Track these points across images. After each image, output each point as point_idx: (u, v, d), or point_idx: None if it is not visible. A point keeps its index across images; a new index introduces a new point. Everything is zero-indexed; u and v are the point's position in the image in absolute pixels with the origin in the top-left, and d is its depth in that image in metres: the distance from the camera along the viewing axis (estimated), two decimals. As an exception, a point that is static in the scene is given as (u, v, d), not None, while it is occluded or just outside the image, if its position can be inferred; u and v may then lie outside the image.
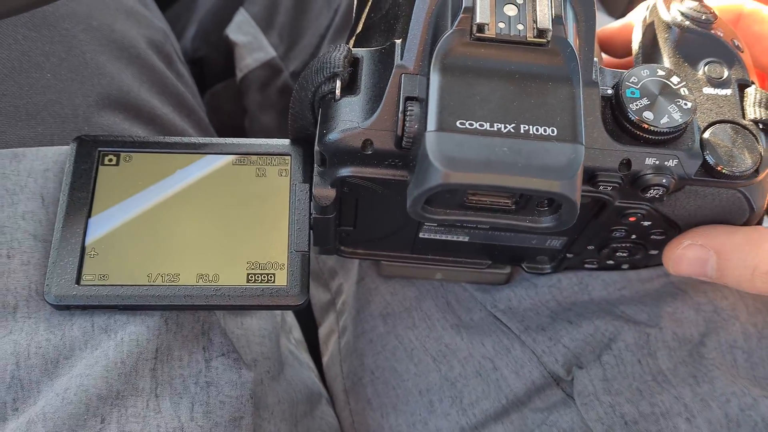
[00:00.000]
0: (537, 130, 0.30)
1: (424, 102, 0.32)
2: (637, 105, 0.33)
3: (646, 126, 0.33)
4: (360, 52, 0.35)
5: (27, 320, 0.36)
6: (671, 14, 0.37)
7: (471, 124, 0.30)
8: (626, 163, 0.34)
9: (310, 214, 0.39)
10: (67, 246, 0.38)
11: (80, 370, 0.35)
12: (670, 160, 0.34)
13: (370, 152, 0.34)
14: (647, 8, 0.39)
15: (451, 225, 0.38)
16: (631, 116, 0.33)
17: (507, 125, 0.30)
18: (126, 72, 0.46)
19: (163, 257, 0.38)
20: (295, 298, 0.38)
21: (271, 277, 0.38)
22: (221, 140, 0.41)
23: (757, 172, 0.34)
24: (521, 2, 0.31)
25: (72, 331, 0.36)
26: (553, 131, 0.30)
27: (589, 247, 0.42)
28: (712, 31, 0.37)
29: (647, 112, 0.33)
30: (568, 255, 0.43)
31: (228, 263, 0.38)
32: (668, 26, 0.37)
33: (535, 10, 0.31)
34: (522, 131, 0.30)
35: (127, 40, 0.47)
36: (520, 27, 0.31)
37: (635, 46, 0.39)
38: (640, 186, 0.34)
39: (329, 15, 0.59)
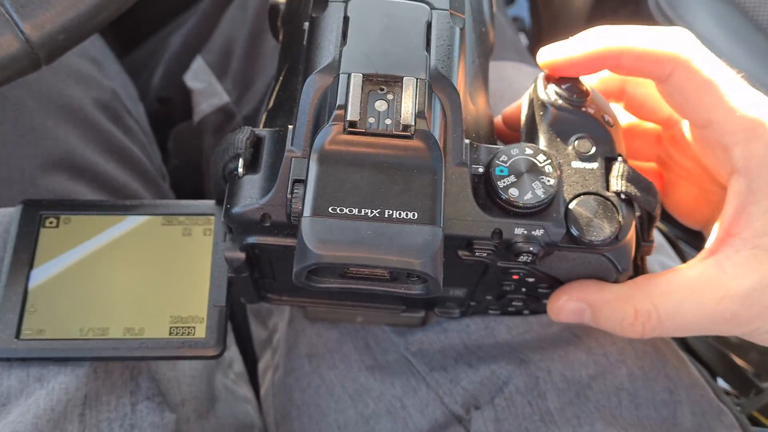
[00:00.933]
0: (400, 214, 0.34)
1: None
2: (504, 182, 0.37)
3: (512, 201, 0.37)
4: (263, 132, 0.39)
5: (-31, 372, 0.41)
6: (547, 92, 0.41)
7: (341, 210, 0.34)
8: (498, 233, 0.38)
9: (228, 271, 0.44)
10: (8, 303, 0.42)
11: (14, 417, 0.39)
12: (537, 230, 0.38)
13: (268, 224, 0.38)
14: (533, 83, 0.43)
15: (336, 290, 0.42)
16: (499, 192, 0.37)
17: (373, 210, 0.34)
18: (72, 134, 0.50)
19: (94, 312, 0.43)
20: (212, 349, 0.42)
21: (191, 330, 0.43)
22: (151, 202, 0.46)
23: (617, 239, 0.38)
24: (391, 98, 0.35)
25: (9, 380, 0.41)
26: (414, 215, 0.34)
27: (488, 297, 0.45)
28: (583, 109, 0.40)
29: (513, 188, 0.37)
30: (471, 303, 0.46)
31: (153, 317, 0.43)
32: (544, 105, 0.41)
33: (402, 105, 0.35)
34: (386, 215, 0.34)
35: (75, 102, 0.51)
36: (388, 122, 0.35)
37: (522, 119, 0.43)
38: (512, 252, 0.38)
39: (276, 66, 0.63)
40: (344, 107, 0.34)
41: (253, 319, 0.58)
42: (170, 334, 0.42)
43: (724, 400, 0.47)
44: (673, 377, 0.45)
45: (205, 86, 0.67)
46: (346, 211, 0.34)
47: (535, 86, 0.42)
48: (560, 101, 0.41)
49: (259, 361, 0.57)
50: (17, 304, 0.42)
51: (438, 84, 0.36)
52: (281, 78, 0.43)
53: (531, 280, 0.42)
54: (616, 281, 0.41)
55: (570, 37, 0.41)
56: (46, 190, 0.47)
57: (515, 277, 0.42)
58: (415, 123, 0.34)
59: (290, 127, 0.38)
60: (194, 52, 0.70)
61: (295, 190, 0.36)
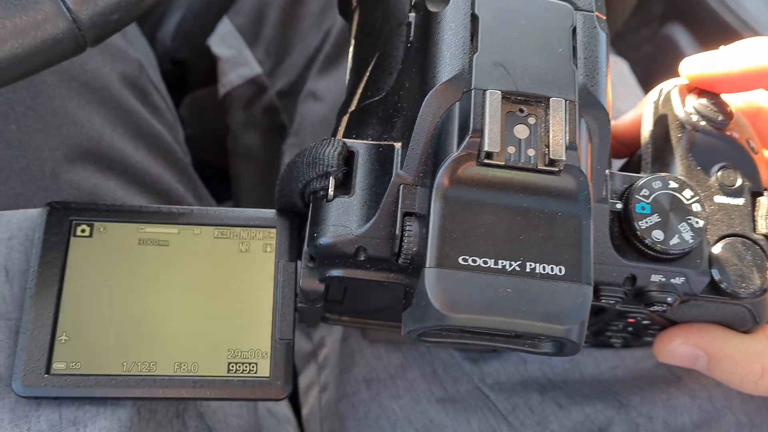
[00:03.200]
0: (543, 268, 0.28)
1: (422, 218, 0.30)
2: (646, 222, 0.32)
3: (655, 246, 0.31)
4: (355, 145, 0.33)
5: (-10, 410, 0.34)
6: (686, 110, 0.35)
7: (474, 261, 0.28)
8: (631, 279, 0.32)
9: (296, 296, 0.37)
10: (36, 330, 0.35)
11: (48, 473, 0.33)
12: (677, 278, 0.32)
13: (362, 258, 0.32)
14: (659, 94, 0.36)
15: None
16: (639, 234, 0.31)
17: (512, 263, 0.28)
18: (97, 116, 0.42)
19: (139, 342, 0.36)
20: (279, 390, 0.36)
21: (252, 366, 0.36)
22: (201, 209, 0.39)
23: (765, 290, 0.33)
24: (533, 122, 0.29)
25: (39, 425, 0.34)
26: (560, 270, 0.28)
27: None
28: (728, 132, 0.35)
29: (657, 230, 0.31)
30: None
31: (208, 350, 0.36)
32: (682, 125, 0.35)
33: (548, 132, 0.28)
34: (528, 270, 0.28)
35: (99, 79, 0.44)
36: (531, 153, 0.28)
37: (644, 134, 0.37)
38: (644, 301, 0.33)
39: (319, 35, 0.55)
40: (480, 133, 0.28)
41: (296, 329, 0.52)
42: (228, 371, 0.36)
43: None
44: (779, 424, 0.41)
45: (233, 54, 0.59)
46: (480, 262, 0.28)
47: (668, 99, 0.36)
48: (702, 122, 0.35)
49: (299, 375, 0.51)
50: (46, 331, 0.36)
51: (587, 106, 0.30)
52: (368, 74, 0.36)
53: (645, 322, 0.37)
54: (746, 331, 0.36)
55: (720, 47, 0.35)
56: (71, 186, 0.40)
57: (631, 320, 0.37)
58: (565, 157, 0.28)
59: (396, 145, 0.31)
60: (218, 12, 0.61)
61: (407, 226, 0.30)
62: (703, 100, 0.35)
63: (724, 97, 0.36)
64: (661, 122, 0.36)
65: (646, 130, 0.37)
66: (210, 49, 0.61)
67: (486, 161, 0.28)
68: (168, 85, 0.68)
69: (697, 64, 0.34)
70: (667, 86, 0.37)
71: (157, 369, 0.36)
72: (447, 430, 0.42)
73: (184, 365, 0.36)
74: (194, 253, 0.38)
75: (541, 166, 0.28)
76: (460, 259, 0.28)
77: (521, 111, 0.29)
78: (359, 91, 0.36)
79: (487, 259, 0.28)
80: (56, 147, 0.40)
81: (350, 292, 0.38)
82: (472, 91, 0.29)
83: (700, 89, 0.35)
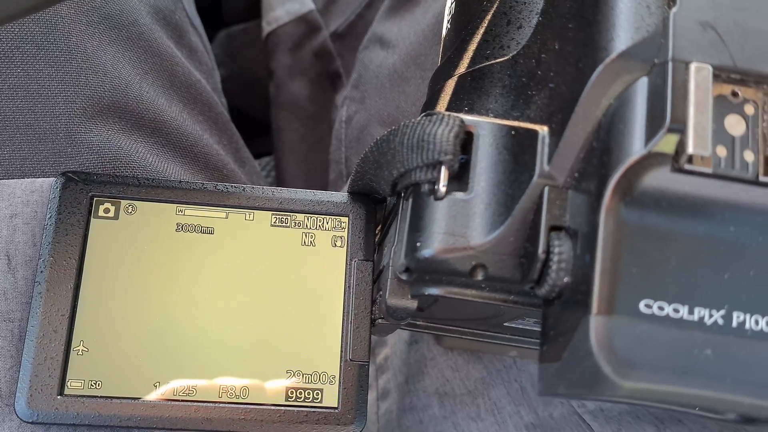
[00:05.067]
0: (756, 322, 0.20)
1: (578, 236, 0.21)
2: None
3: None
4: (478, 123, 0.24)
5: (-12, 435, 0.27)
6: None
7: (661, 308, 0.20)
8: None
9: (373, 306, 0.30)
10: (46, 337, 0.28)
11: None
12: None
13: (480, 278, 0.24)
14: None
15: None
16: None
17: (713, 312, 0.20)
18: (123, 60, 0.34)
19: (175, 359, 0.29)
20: (349, 425, 0.29)
21: (317, 394, 0.29)
22: (257, 189, 0.31)
23: None
24: (752, 113, 0.20)
25: (51, 458, 0.27)
26: None
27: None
28: None
29: None
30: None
31: (261, 372, 0.29)
32: None
33: None
34: (735, 323, 0.20)
35: (126, 13, 0.35)
36: (750, 157, 0.20)
37: None
38: None
39: (386, -33, 0.46)
40: (683, 126, 0.19)
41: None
42: (287, 398, 0.29)
43: None
44: None
45: (282, -15, 0.49)
46: (668, 310, 0.20)
47: None
48: None
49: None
50: (59, 339, 0.28)
51: None
52: (485, 25, 0.27)
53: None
54: None
55: None
56: (90, 150, 0.32)
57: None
58: None
59: (541, 131, 0.23)
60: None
61: (556, 245, 0.22)
62: None
63: None
64: None
65: None
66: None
67: (686, 167, 0.20)
68: (203, 18, 0.59)
69: None
70: None
71: (197, 394, 0.28)
72: (538, 463, 0.35)
73: (232, 390, 0.29)
74: (246, 245, 0.30)
75: (763, 177, 0.20)
76: (641, 305, 0.20)
77: (735, 95, 0.20)
78: (471, 47, 0.28)
79: (679, 306, 0.20)
80: (72, 99, 0.32)
81: (441, 303, 0.30)
82: (669, 62, 0.20)
83: None
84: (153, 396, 0.28)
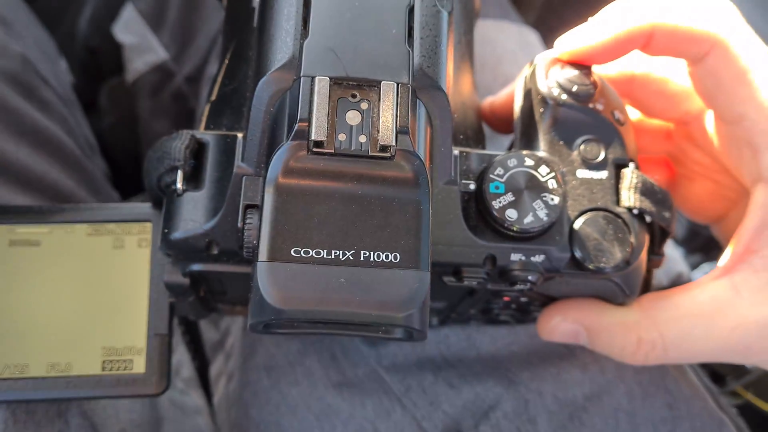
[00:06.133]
0: (378, 256, 0.28)
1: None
2: (500, 202, 0.31)
3: (509, 225, 0.31)
4: (206, 136, 0.32)
5: None
6: (548, 84, 0.34)
7: (306, 252, 0.27)
8: (491, 259, 0.32)
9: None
10: None
11: None
12: (537, 256, 0.32)
13: (215, 252, 0.31)
14: (530, 68, 0.36)
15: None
16: (494, 214, 0.31)
17: (345, 252, 0.28)
18: None
19: (9, 345, 0.36)
20: (154, 385, 0.36)
21: (128, 363, 0.36)
22: (74, 206, 0.38)
23: (628, 263, 0.33)
24: (365, 108, 0.28)
25: None
26: (395, 257, 0.28)
27: (472, 311, 0.40)
28: (591, 105, 0.34)
29: (511, 209, 0.31)
30: (452, 314, 0.41)
31: (81, 349, 0.36)
32: (544, 100, 0.34)
33: (379, 118, 0.28)
34: (362, 258, 0.28)
35: (-25, 77, 0.42)
36: (363, 139, 0.28)
37: (516, 110, 0.36)
38: (507, 280, 0.32)
39: (220, 18, 0.54)
40: (308, 121, 0.27)
41: (203, 320, 0.52)
42: (103, 369, 0.36)
43: (725, 408, 0.43)
44: (673, 390, 0.41)
45: (138, 40, 0.57)
46: (312, 253, 0.27)
47: (533, 74, 0.35)
48: (564, 95, 0.34)
49: (210, 365, 0.51)
50: None
51: (423, 88, 0.29)
52: (226, 62, 0.36)
53: (523, 300, 0.37)
54: (620, 304, 0.35)
55: (590, 17, 0.34)
56: (-55, 189, 0.39)
57: (506, 299, 0.36)
58: (396, 141, 0.27)
59: (239, 136, 0.31)
60: (125, -2, 0.60)
61: (248, 218, 0.29)
62: (567, 73, 0.34)
63: (594, 67, 0.35)
64: (527, 98, 0.35)
65: (517, 106, 0.36)
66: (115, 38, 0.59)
67: (315, 150, 0.27)
68: (87, 74, 0.67)
69: (569, 41, 0.34)
70: (538, 59, 0.36)
71: (30, 371, 0.35)
72: (343, 414, 0.42)
73: (57, 366, 0.36)
74: (67, 252, 0.37)
75: (373, 153, 0.28)
76: (292, 251, 0.27)
77: (353, 96, 0.28)
78: (219, 79, 0.36)
79: (320, 250, 0.27)
80: (-74, 149, 0.39)
81: (227, 283, 0.37)
82: (301, 78, 0.28)
83: (567, 62, 0.35)
84: (-8, 376, 0.35)
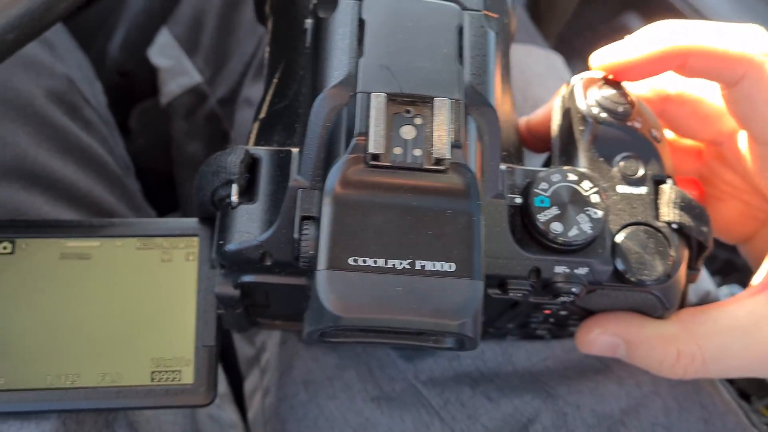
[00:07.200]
0: (434, 265, 0.29)
1: (319, 222, 0.30)
2: (545, 215, 0.32)
3: (554, 238, 0.32)
4: (259, 152, 0.33)
5: None
6: (587, 103, 0.35)
7: (364, 261, 0.28)
8: (536, 271, 0.33)
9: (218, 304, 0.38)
10: (-42, 348, 0.36)
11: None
12: (580, 268, 0.33)
13: (269, 263, 0.32)
14: (567, 88, 0.37)
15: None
16: (539, 227, 0.32)
17: (402, 261, 0.28)
18: (21, 133, 0.43)
19: (61, 355, 0.37)
20: (202, 396, 0.37)
21: (176, 375, 0.37)
22: (123, 221, 0.39)
23: (668, 276, 0.33)
24: (420, 123, 0.29)
25: (-36, 441, 0.35)
26: (450, 267, 0.29)
27: (509, 325, 0.41)
28: (629, 123, 0.35)
29: (556, 223, 0.32)
30: (489, 329, 0.42)
31: (131, 360, 0.37)
32: (584, 118, 0.35)
33: (433, 133, 0.29)
34: (418, 267, 0.28)
35: (23, 96, 0.44)
36: (418, 153, 0.29)
37: (553, 128, 0.37)
38: (551, 292, 0.33)
39: (254, 42, 0.56)
40: (365, 135, 0.28)
41: (238, 334, 0.52)
42: (152, 380, 0.37)
43: (757, 425, 0.44)
44: (708, 405, 0.42)
45: (173, 63, 0.59)
46: (369, 262, 0.28)
47: (572, 93, 0.36)
48: (603, 114, 0.35)
49: (245, 380, 0.52)
50: (-31, 349, 0.36)
51: (474, 104, 0.30)
52: (275, 81, 0.37)
53: (563, 313, 0.38)
54: (659, 317, 0.36)
55: (626, 36, 0.35)
56: (-3, 204, 0.40)
57: (547, 312, 0.37)
58: (450, 155, 0.28)
59: (294, 151, 0.32)
60: (159, 23, 0.62)
61: (304, 229, 0.30)
62: (605, 92, 0.35)
63: (630, 86, 0.36)
64: (566, 116, 0.36)
65: (555, 124, 0.37)
66: (150, 59, 0.61)
67: (372, 163, 0.29)
68: (117, 97, 0.69)
69: (604, 55, 0.35)
70: (575, 79, 0.37)
71: (81, 381, 0.36)
72: (382, 428, 0.43)
73: (108, 376, 0.36)
74: (117, 265, 0.38)
75: (427, 166, 0.29)
76: (350, 260, 0.28)
77: (408, 112, 0.29)
78: (269, 97, 0.37)
79: (377, 259, 0.28)
80: (-20, 165, 0.40)
81: (272, 296, 0.38)
82: (358, 94, 0.29)
83: (604, 81, 0.36)
84: (45, 386, 0.36)
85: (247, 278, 0.34)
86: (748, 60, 0.33)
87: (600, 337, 0.36)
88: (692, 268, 0.36)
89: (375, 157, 0.28)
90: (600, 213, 0.32)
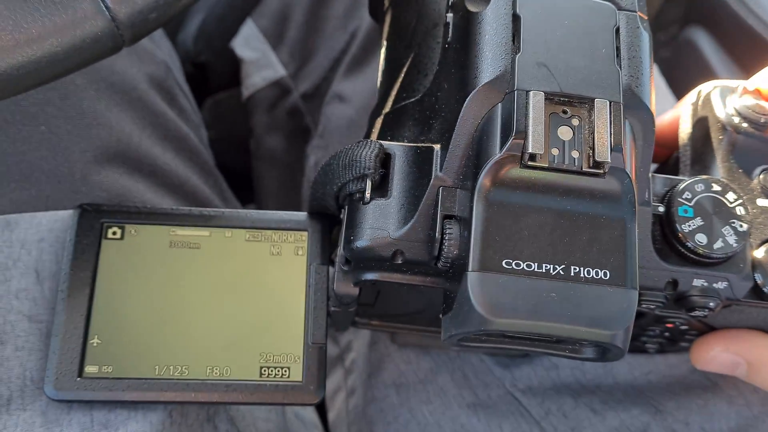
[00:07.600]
0: (588, 272, 0.28)
1: (463, 221, 0.29)
2: (689, 226, 0.31)
3: (697, 249, 0.31)
4: (392, 147, 0.32)
5: (22, 413, 0.34)
6: (727, 112, 0.34)
7: (518, 265, 0.27)
8: (673, 283, 0.32)
9: (328, 300, 0.37)
10: (68, 333, 0.35)
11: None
12: (719, 282, 0.32)
13: (400, 262, 0.31)
14: (698, 96, 0.36)
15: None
16: (682, 238, 0.31)
17: (556, 266, 0.27)
18: (125, 118, 0.42)
19: (171, 346, 0.36)
20: (311, 395, 0.36)
21: (285, 371, 0.36)
22: (233, 212, 0.39)
23: None
24: (576, 123, 0.28)
25: (70, 428, 0.34)
26: (605, 274, 0.28)
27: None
28: None
29: (700, 234, 0.31)
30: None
31: (240, 354, 0.36)
32: (723, 127, 0.34)
33: (593, 133, 0.28)
34: (572, 273, 0.27)
35: (127, 81, 0.43)
36: (575, 154, 0.28)
37: (683, 136, 0.36)
38: (685, 306, 0.32)
39: (344, 38, 0.55)
40: (524, 134, 0.27)
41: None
42: (261, 375, 0.36)
43: None
44: (815, 429, 0.41)
45: (258, 56, 0.58)
46: (523, 266, 0.27)
47: (708, 101, 0.35)
48: (744, 123, 0.34)
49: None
50: (78, 334, 0.35)
51: (631, 107, 0.29)
52: (402, 76, 0.36)
53: (684, 327, 0.37)
54: None
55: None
56: (100, 189, 0.40)
57: (669, 325, 0.36)
58: (610, 159, 0.27)
59: (436, 147, 0.31)
60: (240, 14, 0.61)
61: (447, 229, 0.29)
62: (745, 102, 0.34)
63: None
64: (701, 124, 0.35)
65: (685, 132, 0.36)
66: (233, 52, 0.60)
67: (529, 163, 0.28)
68: (190, 87, 0.68)
69: None
70: (706, 88, 0.36)
71: (190, 373, 0.35)
72: (478, 435, 0.42)
73: (216, 369, 0.36)
74: (225, 256, 0.38)
75: (585, 168, 0.28)
76: (503, 263, 0.27)
77: (564, 112, 0.28)
78: (394, 92, 0.36)
79: (531, 263, 0.27)
80: (85, 149, 0.40)
81: (383, 296, 0.37)
82: (515, 92, 0.28)
83: (743, 90, 0.35)
84: (154, 376, 0.35)
85: (370, 276, 0.33)
86: None
87: (721, 355, 0.35)
88: None
89: (533, 157, 0.27)
90: (745, 226, 0.31)
